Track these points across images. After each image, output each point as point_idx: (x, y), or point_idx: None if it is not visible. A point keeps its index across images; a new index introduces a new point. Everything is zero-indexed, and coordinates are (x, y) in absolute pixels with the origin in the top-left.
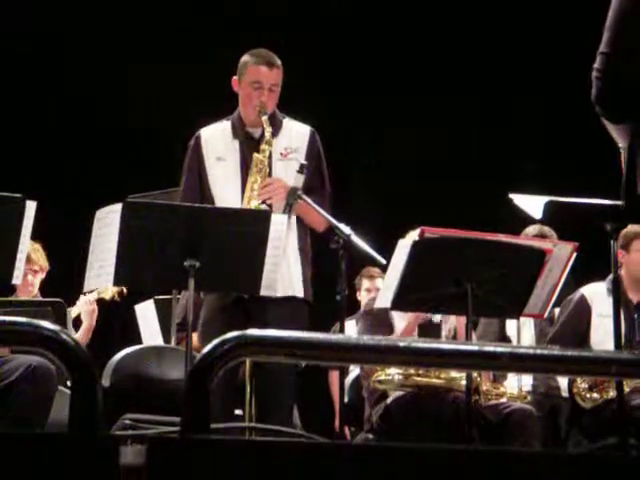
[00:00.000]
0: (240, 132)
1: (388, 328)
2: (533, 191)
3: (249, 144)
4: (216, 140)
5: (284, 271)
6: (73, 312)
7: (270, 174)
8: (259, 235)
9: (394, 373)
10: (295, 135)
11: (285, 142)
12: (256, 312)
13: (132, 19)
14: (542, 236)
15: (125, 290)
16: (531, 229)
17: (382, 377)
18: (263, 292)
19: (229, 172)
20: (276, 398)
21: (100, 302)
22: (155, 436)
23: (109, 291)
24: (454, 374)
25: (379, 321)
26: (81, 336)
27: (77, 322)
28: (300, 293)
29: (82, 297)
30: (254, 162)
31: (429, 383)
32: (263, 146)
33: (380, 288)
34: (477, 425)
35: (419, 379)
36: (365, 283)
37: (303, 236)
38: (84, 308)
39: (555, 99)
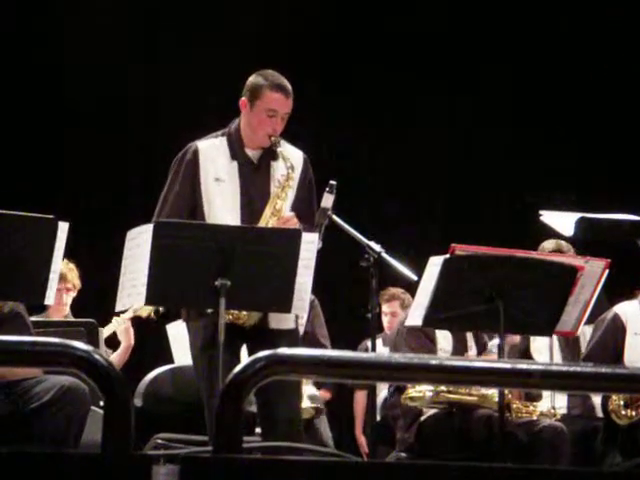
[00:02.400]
0: (239, 153)
1: (433, 345)
2: (565, 208)
3: (249, 167)
4: (214, 158)
5: None
6: (107, 331)
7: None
8: (290, 253)
9: (425, 389)
10: (291, 161)
11: (283, 169)
12: (253, 340)
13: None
14: (559, 251)
15: (161, 308)
16: (547, 244)
17: (413, 394)
18: (295, 311)
19: (227, 195)
20: (293, 424)
21: (136, 320)
22: (187, 455)
23: (145, 309)
24: (485, 391)
25: (426, 336)
26: (120, 355)
27: (112, 341)
28: (291, 324)
29: (115, 318)
30: (273, 197)
31: (460, 400)
32: (285, 182)
33: (397, 312)
34: (508, 443)
35: (450, 396)
36: (383, 307)
37: None
38: (119, 328)
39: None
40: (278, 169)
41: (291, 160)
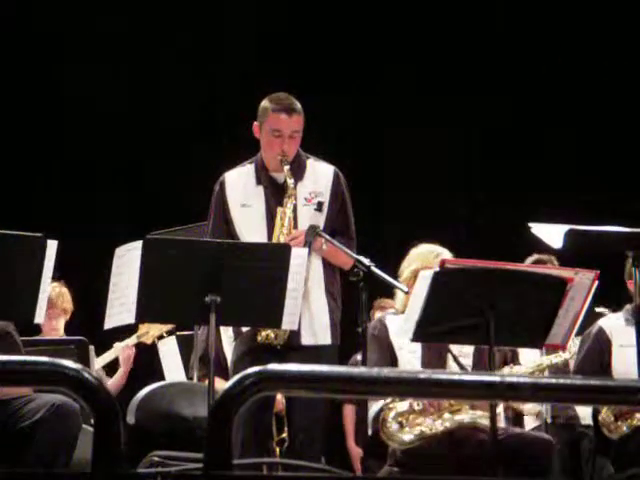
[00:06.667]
0: (264, 178)
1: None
2: (555, 221)
3: (273, 190)
4: (240, 186)
5: (310, 318)
6: (110, 355)
7: (296, 219)
8: (280, 269)
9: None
10: (319, 178)
11: (310, 186)
12: (285, 358)
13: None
14: (541, 262)
15: (165, 334)
16: (530, 258)
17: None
18: (285, 326)
19: (254, 219)
20: (310, 433)
21: (139, 345)
22: (179, 473)
23: (149, 335)
24: (465, 417)
25: (382, 344)
26: (117, 380)
27: (114, 365)
28: (327, 340)
29: (117, 344)
30: (278, 215)
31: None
32: (286, 199)
33: None
34: (494, 456)
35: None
36: (377, 315)
37: (331, 278)
38: (123, 354)
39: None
40: (305, 189)
41: (315, 175)
